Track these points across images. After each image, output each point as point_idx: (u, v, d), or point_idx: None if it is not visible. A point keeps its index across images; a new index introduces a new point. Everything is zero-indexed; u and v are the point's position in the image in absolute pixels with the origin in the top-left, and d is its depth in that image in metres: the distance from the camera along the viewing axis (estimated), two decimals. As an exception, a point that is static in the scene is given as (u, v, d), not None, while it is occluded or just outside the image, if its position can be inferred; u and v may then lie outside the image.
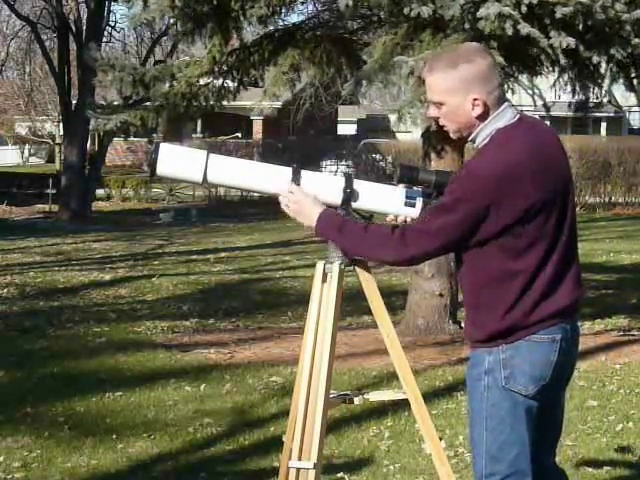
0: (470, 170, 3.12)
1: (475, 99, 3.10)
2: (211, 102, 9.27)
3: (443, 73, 3.12)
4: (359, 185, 3.40)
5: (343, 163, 30.85)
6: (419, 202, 3.37)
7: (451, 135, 3.24)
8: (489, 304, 3.15)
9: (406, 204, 3.38)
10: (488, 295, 3.15)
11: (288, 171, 3.40)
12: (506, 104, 3.17)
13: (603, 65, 8.16)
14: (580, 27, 7.31)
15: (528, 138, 3.13)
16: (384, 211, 3.41)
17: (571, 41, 7.19)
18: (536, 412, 3.17)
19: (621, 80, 8.50)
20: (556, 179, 3.15)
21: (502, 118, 3.14)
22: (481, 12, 7.07)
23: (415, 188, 3.40)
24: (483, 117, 3.13)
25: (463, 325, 3.42)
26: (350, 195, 3.36)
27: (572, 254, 3.20)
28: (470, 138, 3.20)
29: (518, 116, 3.17)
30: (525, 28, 7.06)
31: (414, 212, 3.37)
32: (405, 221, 3.37)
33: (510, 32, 6.94)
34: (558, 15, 7.17)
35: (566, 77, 8.55)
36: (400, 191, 3.39)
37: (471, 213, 3.05)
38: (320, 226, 3.28)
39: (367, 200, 3.39)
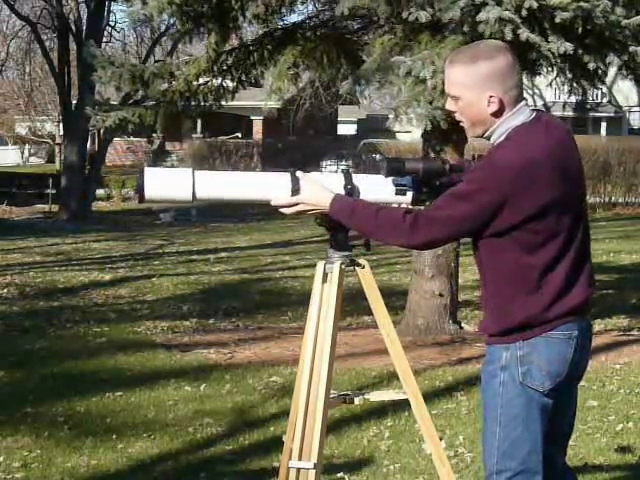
0: (490, 162, 3.13)
1: (491, 96, 3.11)
2: (210, 101, 9.27)
3: (462, 67, 3.13)
4: (357, 180, 3.42)
5: (343, 163, 30.83)
6: (409, 190, 3.41)
7: (467, 131, 3.25)
8: (505, 297, 3.16)
9: (397, 192, 3.42)
10: (505, 289, 3.16)
11: (286, 176, 3.40)
12: (523, 103, 3.17)
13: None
14: (579, 31, 7.31)
15: (545, 136, 3.13)
16: (382, 201, 3.44)
17: (569, 47, 7.19)
18: (550, 409, 3.18)
19: (629, 76, 8.47)
20: (572, 177, 3.17)
21: (519, 116, 3.15)
22: (481, 16, 7.06)
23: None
24: (498, 114, 3.14)
25: (480, 319, 3.43)
26: (351, 191, 3.38)
27: (586, 251, 3.22)
28: (485, 135, 3.20)
29: (534, 114, 3.18)
30: (524, 33, 7.05)
31: (407, 199, 3.42)
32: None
33: (509, 37, 6.93)
34: (558, 20, 7.16)
35: (564, 78, 8.54)
36: (388, 181, 3.42)
37: (485, 205, 3.06)
38: (333, 210, 3.30)
39: (366, 193, 3.41)
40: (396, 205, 3.46)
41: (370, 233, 3.32)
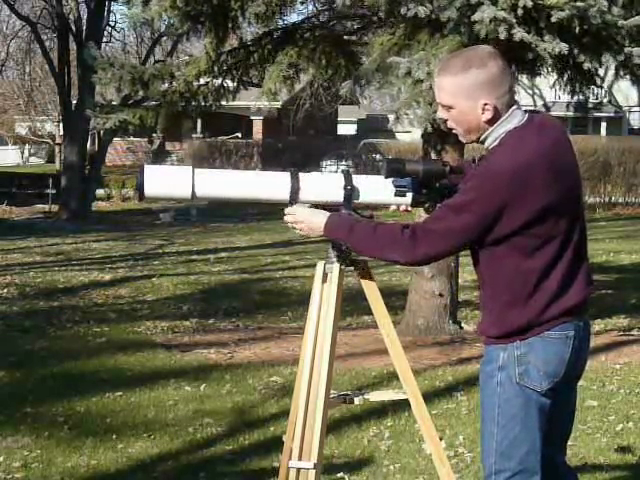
0: (484, 169, 3.12)
1: (485, 104, 3.10)
2: (210, 102, 9.27)
3: (454, 77, 3.11)
4: (357, 181, 3.42)
5: (343, 163, 30.85)
6: (409, 192, 3.41)
7: (460, 138, 3.24)
8: (504, 301, 3.15)
9: (396, 194, 3.42)
10: (503, 292, 3.15)
11: (286, 176, 3.40)
12: (515, 106, 3.17)
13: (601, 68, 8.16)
14: (577, 31, 7.31)
15: (537, 138, 3.13)
16: (382, 203, 3.45)
17: (564, 47, 7.18)
18: (548, 409, 3.18)
19: (627, 76, 8.47)
20: (567, 178, 3.17)
21: (512, 120, 3.15)
22: (476, 16, 7.06)
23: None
24: (493, 121, 3.14)
25: (479, 320, 3.43)
26: (351, 192, 3.38)
27: (583, 252, 3.22)
28: (480, 140, 3.20)
29: (527, 117, 3.18)
30: (518, 33, 7.05)
31: (407, 200, 3.42)
32: (404, 210, 3.43)
33: (503, 36, 6.93)
34: (554, 19, 7.16)
35: (565, 78, 8.54)
36: (388, 182, 3.43)
37: (484, 214, 3.06)
38: (329, 231, 3.30)
39: (366, 194, 3.41)
40: (395, 207, 3.47)
41: (368, 251, 3.28)
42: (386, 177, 3.39)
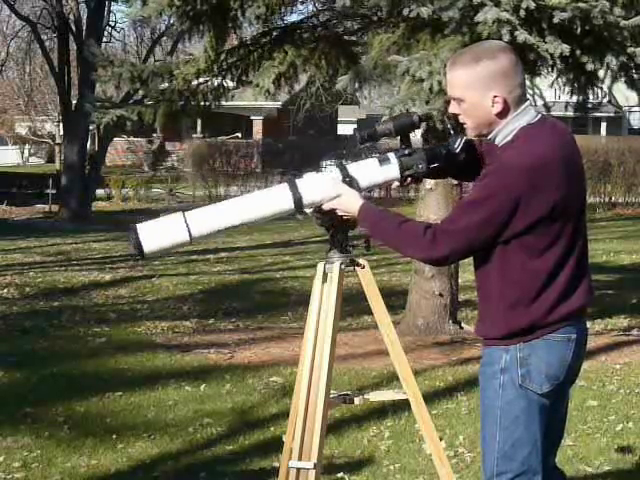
0: (500, 166, 3.10)
1: (495, 96, 3.10)
2: (209, 101, 9.26)
3: (464, 69, 3.12)
4: (352, 170, 3.39)
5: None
6: (392, 157, 3.37)
7: (470, 133, 3.24)
8: (510, 302, 3.14)
9: (381, 163, 3.37)
10: (509, 293, 3.14)
11: (282, 187, 3.38)
12: (527, 103, 3.17)
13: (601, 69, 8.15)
14: (578, 32, 7.31)
15: (552, 137, 3.14)
16: (380, 183, 3.42)
17: (566, 48, 7.18)
18: (548, 410, 3.18)
19: (623, 79, 8.47)
20: (577, 180, 3.18)
21: (525, 116, 3.15)
22: (479, 17, 7.06)
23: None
24: (503, 115, 3.13)
25: (475, 322, 3.42)
26: (350, 183, 3.36)
27: (586, 256, 3.23)
28: (490, 136, 3.19)
29: (539, 116, 3.18)
30: (522, 35, 7.05)
31: (394, 168, 3.35)
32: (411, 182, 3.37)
33: (507, 38, 6.93)
34: (556, 20, 7.16)
35: (564, 78, 8.53)
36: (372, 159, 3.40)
37: (501, 208, 3.04)
38: (360, 217, 3.30)
39: (364, 179, 3.39)
40: (397, 183, 3.41)
41: (391, 245, 3.31)
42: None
